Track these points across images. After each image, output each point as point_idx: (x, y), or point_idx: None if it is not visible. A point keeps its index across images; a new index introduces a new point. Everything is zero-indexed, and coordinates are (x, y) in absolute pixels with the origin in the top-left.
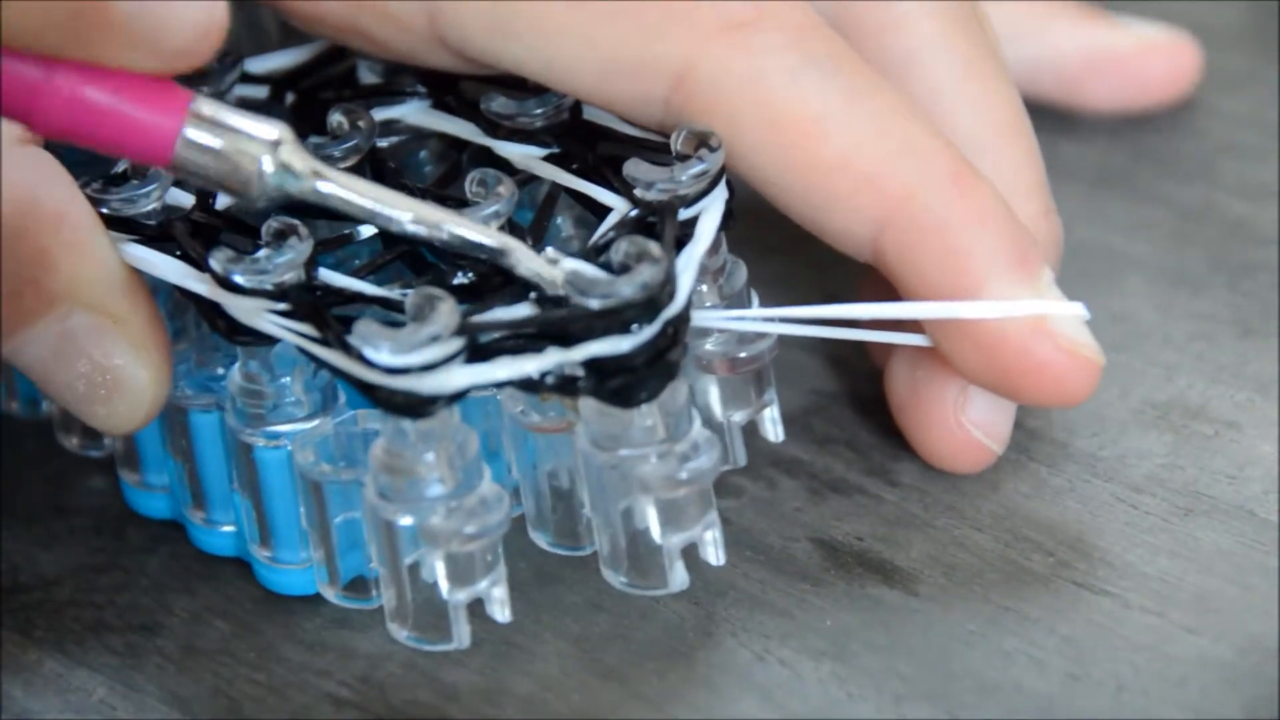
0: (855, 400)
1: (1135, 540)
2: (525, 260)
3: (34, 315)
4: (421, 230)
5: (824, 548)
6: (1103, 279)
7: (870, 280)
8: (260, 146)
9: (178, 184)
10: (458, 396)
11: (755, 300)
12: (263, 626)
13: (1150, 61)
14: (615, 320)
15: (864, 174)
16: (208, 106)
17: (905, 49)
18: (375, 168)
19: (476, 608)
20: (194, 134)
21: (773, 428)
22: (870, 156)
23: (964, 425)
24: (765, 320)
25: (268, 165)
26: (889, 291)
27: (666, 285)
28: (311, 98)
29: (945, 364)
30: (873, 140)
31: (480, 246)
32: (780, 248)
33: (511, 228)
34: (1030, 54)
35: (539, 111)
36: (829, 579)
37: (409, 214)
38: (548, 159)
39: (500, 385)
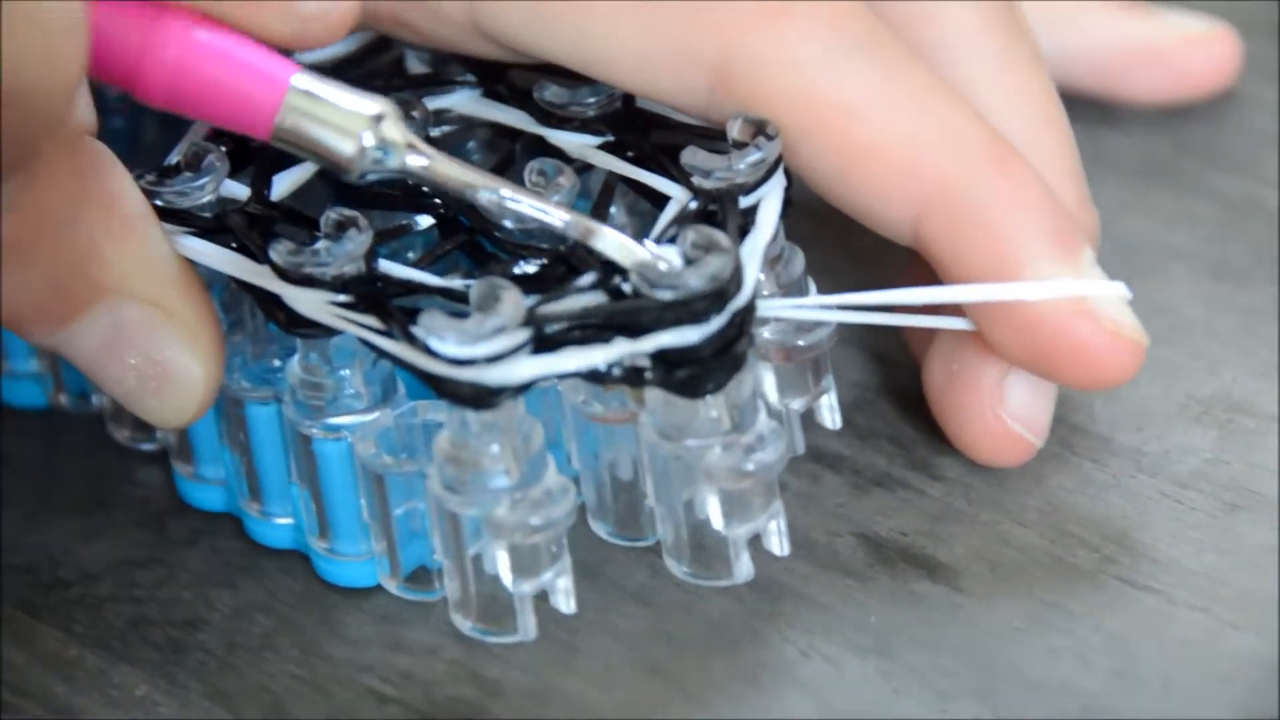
0: (898, 395)
1: (1180, 536)
2: (611, 239)
3: (84, 306)
4: (512, 207)
5: (868, 543)
6: (1146, 271)
7: (911, 270)
8: (361, 121)
9: (233, 174)
10: (524, 388)
11: (813, 288)
12: (305, 622)
13: (1190, 53)
14: (684, 311)
15: (903, 158)
16: (310, 79)
17: (940, 41)
18: None
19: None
20: (296, 104)
21: (830, 415)
22: (909, 140)
23: (1001, 418)
24: (821, 308)
25: (368, 140)
26: (930, 281)
27: (734, 276)
28: (360, 88)
29: (981, 358)
30: (911, 124)
31: (568, 225)
32: (821, 240)
33: None
34: (1067, 46)
35: (592, 100)
36: (873, 574)
37: (505, 188)
38: (602, 148)
39: (567, 376)
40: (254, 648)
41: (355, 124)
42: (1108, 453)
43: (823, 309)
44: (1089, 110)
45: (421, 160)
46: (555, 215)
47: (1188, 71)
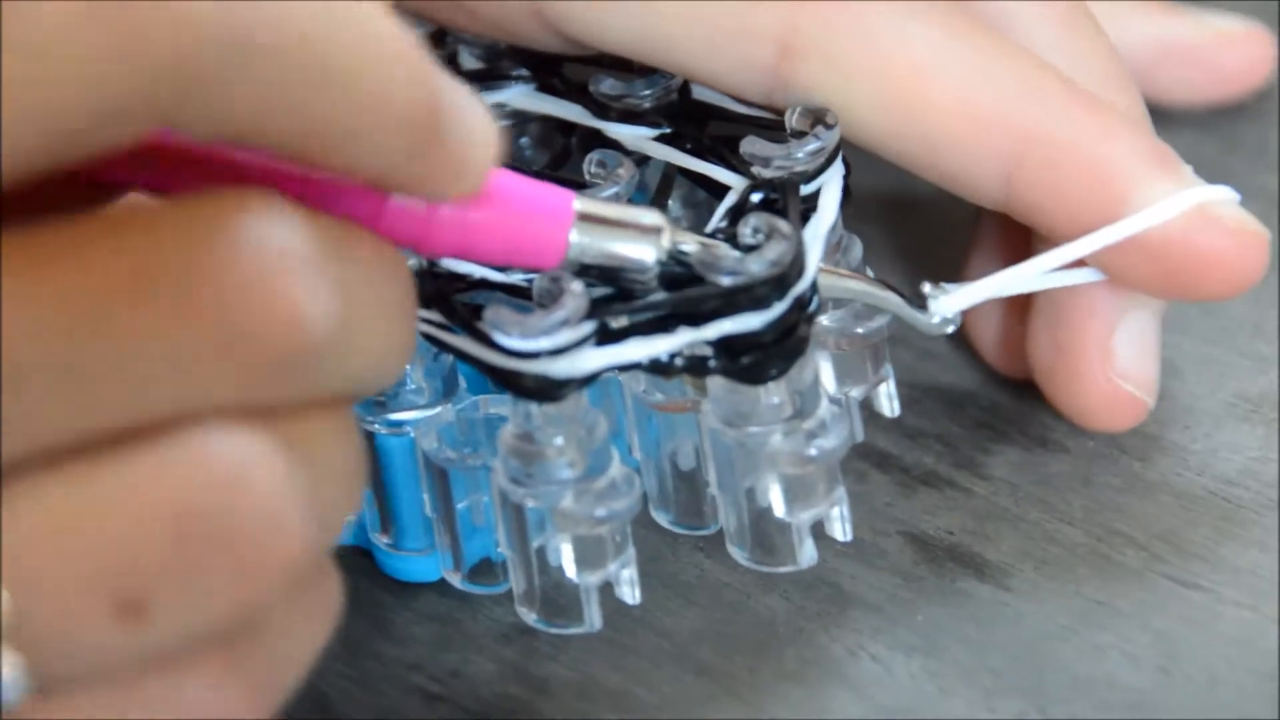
0: (945, 393)
1: (1228, 534)
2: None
3: None
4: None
5: (915, 542)
6: None
7: (979, 248)
8: (647, 238)
9: None
10: (589, 380)
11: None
12: (353, 620)
13: (1224, 52)
14: (746, 298)
15: (988, 112)
16: (589, 204)
17: (1002, 11)
18: None
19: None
20: (582, 236)
21: (889, 403)
22: (989, 95)
23: (1114, 381)
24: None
25: (656, 253)
26: (999, 256)
27: (796, 261)
28: None
29: (1084, 324)
30: (989, 80)
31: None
32: (866, 236)
33: None
34: None
35: (648, 92)
36: (920, 573)
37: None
38: (659, 139)
39: (632, 367)
40: None
41: (642, 242)
42: (1155, 451)
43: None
44: None
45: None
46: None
47: (1222, 71)
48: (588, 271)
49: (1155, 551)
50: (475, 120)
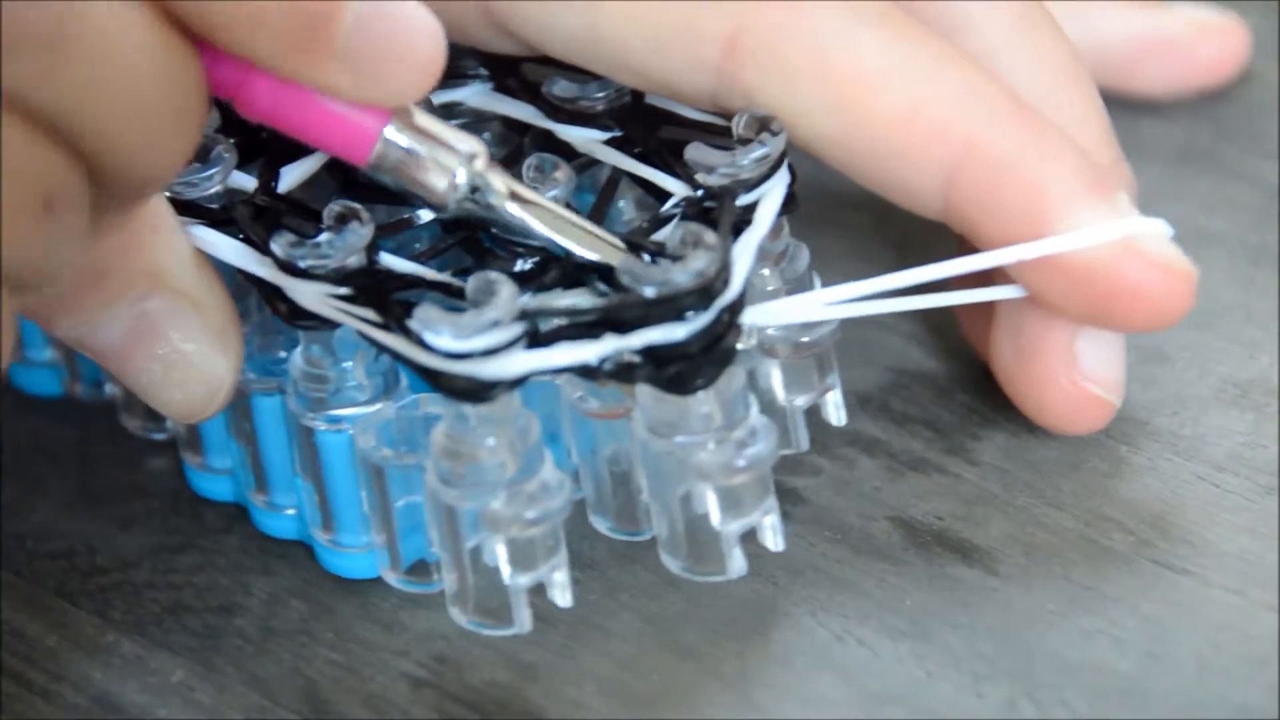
0: (934, 378)
1: (1216, 519)
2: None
3: (112, 296)
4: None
5: (903, 527)
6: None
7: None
8: (456, 159)
9: (242, 165)
10: (518, 382)
11: (817, 284)
12: (340, 607)
13: (1200, 43)
14: (669, 308)
15: (928, 124)
16: (412, 113)
17: (956, 11)
18: None
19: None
20: (394, 137)
21: (835, 411)
22: (933, 106)
23: (1078, 383)
24: (833, 305)
25: (460, 177)
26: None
27: (721, 272)
28: None
29: (1046, 327)
30: (933, 90)
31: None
32: (860, 226)
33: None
34: (1078, 39)
35: (600, 95)
36: (908, 558)
37: (592, 254)
38: (609, 143)
39: (560, 371)
40: (290, 633)
41: (450, 160)
42: (1144, 436)
43: (836, 305)
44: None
45: (520, 212)
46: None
47: (1198, 61)
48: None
49: (1144, 536)
50: (388, 33)
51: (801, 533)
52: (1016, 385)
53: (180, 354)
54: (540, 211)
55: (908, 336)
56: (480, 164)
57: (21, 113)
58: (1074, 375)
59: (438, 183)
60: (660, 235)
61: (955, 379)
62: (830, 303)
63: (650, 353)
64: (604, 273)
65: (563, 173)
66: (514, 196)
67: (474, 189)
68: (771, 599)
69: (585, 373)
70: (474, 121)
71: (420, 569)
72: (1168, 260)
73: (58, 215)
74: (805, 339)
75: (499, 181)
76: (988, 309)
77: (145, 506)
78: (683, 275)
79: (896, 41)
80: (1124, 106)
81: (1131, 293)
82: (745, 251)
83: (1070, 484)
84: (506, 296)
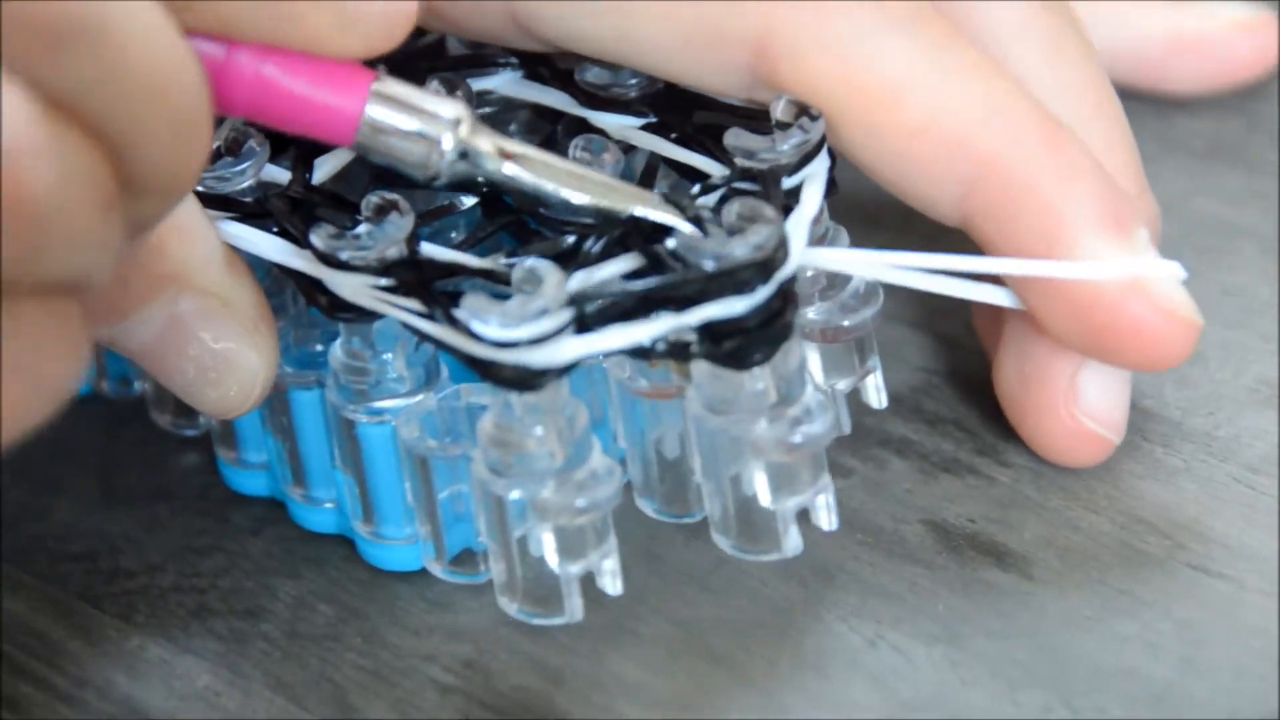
0: (966, 379)
1: (1252, 521)
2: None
3: (142, 300)
4: (600, 210)
5: (936, 530)
6: (1216, 252)
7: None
8: (441, 126)
9: (274, 158)
10: (568, 369)
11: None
12: (368, 610)
13: (1233, 41)
14: (729, 282)
15: (950, 135)
16: (390, 85)
17: (989, 34)
18: None
19: (587, 582)
20: (376, 113)
21: (876, 395)
22: (956, 118)
23: (1077, 418)
24: (868, 264)
25: (447, 144)
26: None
27: (780, 245)
28: (401, 69)
29: (1052, 357)
30: (958, 101)
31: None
32: (882, 222)
33: None
34: (1109, 41)
35: (634, 81)
36: (941, 562)
37: (592, 198)
38: (644, 129)
39: (612, 354)
40: (316, 637)
41: (434, 128)
42: (1178, 437)
43: (871, 265)
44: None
45: (516, 169)
46: (656, 216)
47: (1232, 59)
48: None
49: (1178, 540)
50: None
51: (833, 535)
52: (1017, 411)
53: (213, 354)
54: (534, 164)
55: (939, 337)
56: (465, 128)
57: (76, 113)
58: (1074, 408)
59: (426, 153)
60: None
61: (987, 380)
62: (869, 284)
63: (707, 329)
64: (647, 234)
65: (611, 154)
66: (503, 154)
67: (463, 154)
68: (802, 603)
69: (638, 353)
70: (504, 110)
71: (464, 559)
72: (1173, 305)
73: (116, 215)
74: (845, 323)
75: (486, 142)
76: (999, 316)
77: (170, 508)
78: (742, 248)
79: (923, 48)
80: (1154, 102)
81: (1131, 332)
82: (799, 227)
83: (1104, 486)
84: (554, 282)
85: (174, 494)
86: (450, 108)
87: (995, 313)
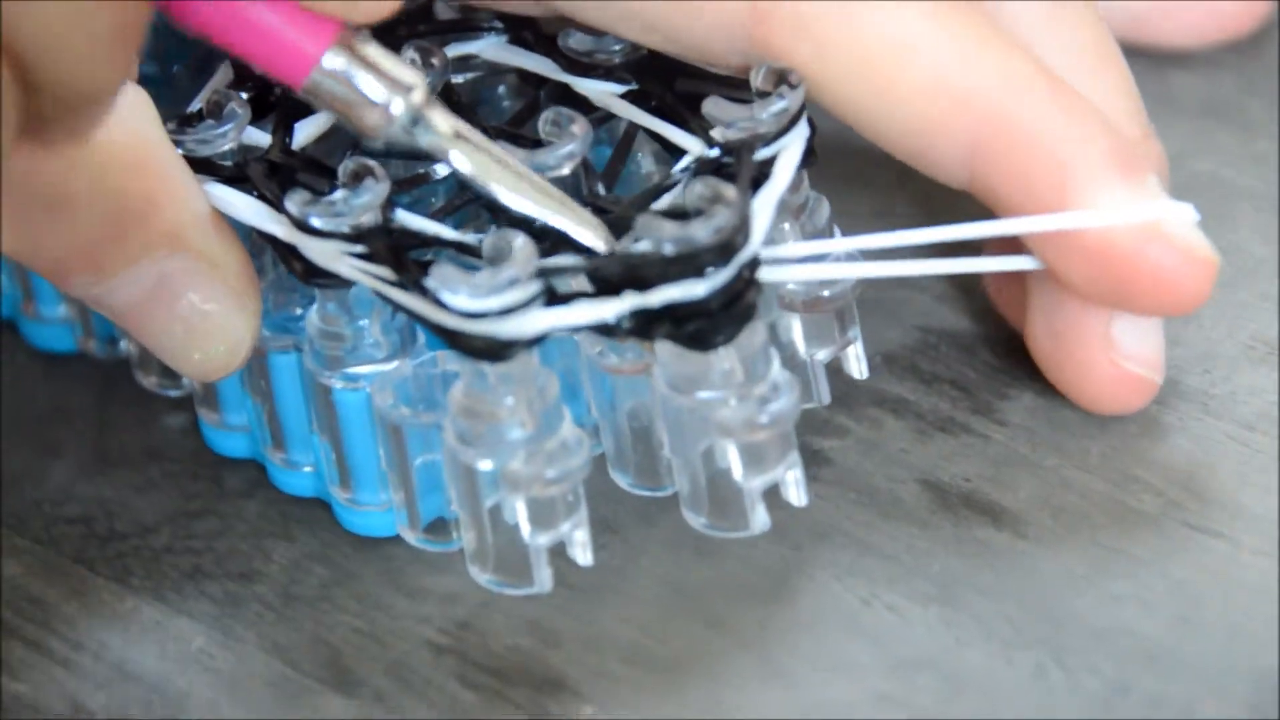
0: (962, 338)
1: (1247, 480)
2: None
3: (130, 259)
4: (523, 213)
5: (931, 489)
6: (1212, 212)
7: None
8: (394, 90)
9: (255, 121)
10: (536, 341)
11: (838, 236)
12: (362, 572)
13: None
14: (689, 265)
15: (956, 95)
16: (357, 40)
17: None
18: (449, 104)
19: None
20: (332, 62)
21: (857, 365)
22: (961, 77)
23: (1118, 364)
24: (851, 261)
25: (397, 109)
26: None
27: (741, 228)
28: (388, 33)
29: (1082, 309)
30: (962, 61)
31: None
32: (885, 184)
33: (586, 167)
34: None
35: (617, 48)
36: (936, 521)
37: (519, 203)
38: (625, 96)
39: (578, 330)
40: (311, 599)
41: (384, 92)
42: (1173, 395)
43: (854, 263)
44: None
45: (460, 157)
46: (570, 230)
47: (1224, 13)
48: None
49: (1174, 498)
50: None
51: (827, 495)
52: (1055, 368)
53: (200, 314)
54: (479, 156)
55: (935, 295)
56: (418, 97)
57: None
58: (1114, 356)
59: (370, 113)
60: (671, 196)
61: (983, 338)
62: (850, 255)
63: (669, 310)
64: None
65: (579, 126)
66: (456, 134)
67: (414, 122)
68: (797, 563)
69: (604, 330)
70: (489, 74)
71: (439, 527)
72: (1190, 246)
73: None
74: (825, 293)
75: (442, 121)
76: (1017, 278)
77: (163, 470)
78: (702, 232)
79: (927, 9)
80: (1150, 60)
81: (1151, 276)
82: (765, 207)
83: (1099, 445)
84: (524, 254)
85: (166, 456)
86: (410, 76)
87: (1015, 278)
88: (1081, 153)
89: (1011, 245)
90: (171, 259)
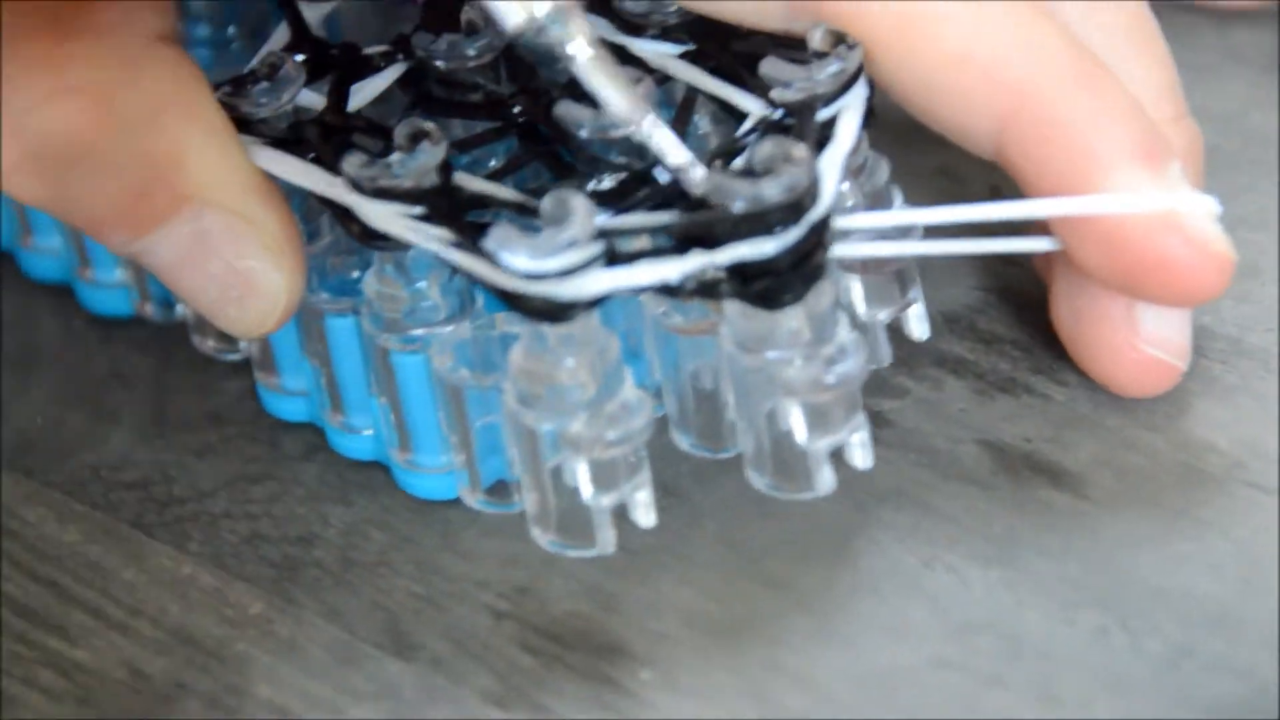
0: (1021, 298)
1: None
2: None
3: (167, 214)
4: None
5: (991, 450)
6: (1272, 165)
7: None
8: None
9: (310, 83)
10: (597, 302)
11: (899, 198)
12: (420, 537)
13: None
14: (759, 223)
15: (986, 67)
16: None
17: None
18: (509, 65)
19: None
20: None
21: (918, 325)
22: (993, 50)
23: (1139, 348)
24: (899, 226)
25: (540, 11)
26: None
27: (810, 187)
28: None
29: (1104, 291)
30: (995, 33)
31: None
32: (907, 155)
33: None
34: None
35: (673, 9)
36: (996, 483)
37: (626, 114)
38: (683, 57)
39: (641, 290)
40: (369, 564)
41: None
42: (1236, 354)
43: (902, 228)
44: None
45: (585, 53)
46: (671, 155)
47: None
48: None
49: (1237, 458)
50: None
51: (888, 457)
52: (1078, 349)
53: (235, 272)
54: (604, 64)
55: (997, 256)
56: (571, 10)
57: None
58: (1135, 339)
59: (513, 11)
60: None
61: (1043, 298)
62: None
63: (737, 269)
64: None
65: (645, 86)
66: (588, 41)
67: (554, 22)
68: (858, 525)
69: (668, 290)
70: None
71: (500, 490)
72: (1206, 239)
73: None
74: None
75: (580, 20)
76: (1053, 260)
77: (221, 435)
78: (772, 190)
79: None
80: (1213, 16)
81: (1163, 266)
82: (831, 166)
83: (1161, 404)
84: (583, 215)
85: (225, 420)
86: None
87: None
88: (1104, 136)
89: (1037, 222)
90: (207, 217)
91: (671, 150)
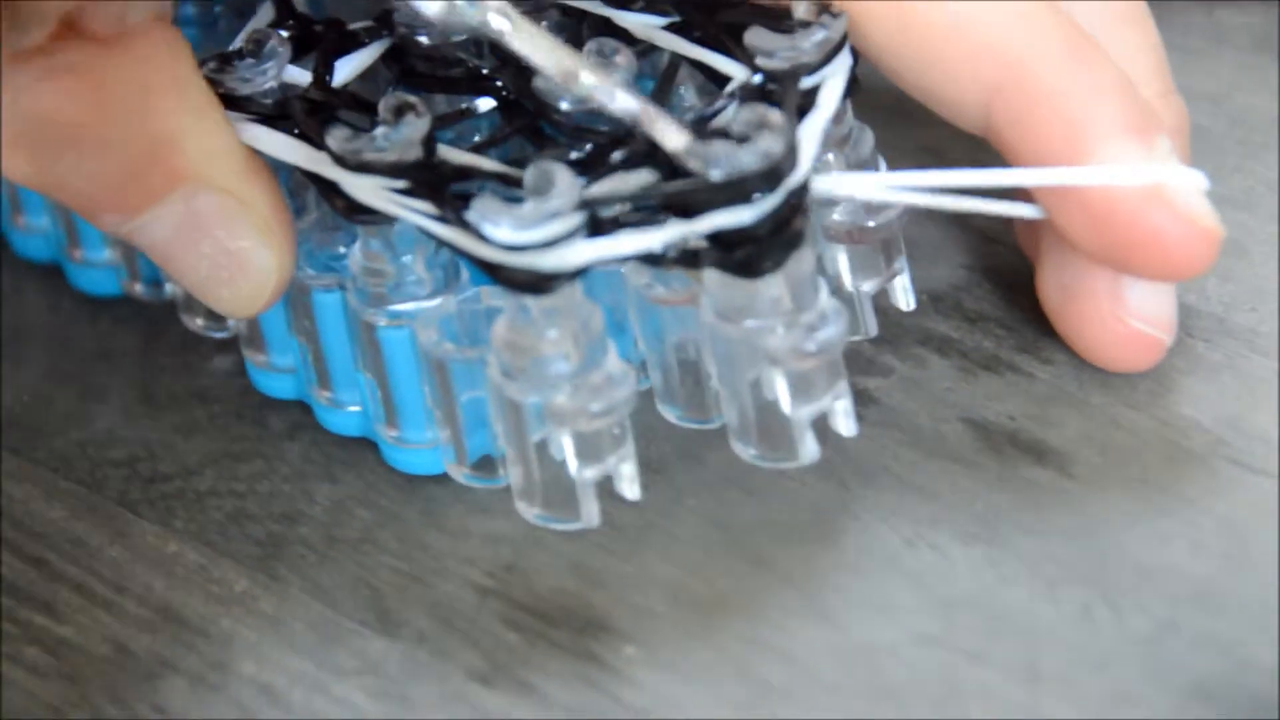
0: (1006, 276)
1: None
2: (659, 126)
3: (158, 194)
4: (563, 85)
5: (975, 428)
6: (1259, 146)
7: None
8: None
9: (295, 59)
10: (580, 272)
11: (883, 167)
12: (405, 514)
13: None
14: (737, 191)
15: (977, 39)
16: None
17: None
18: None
19: (611, 488)
20: None
21: (904, 296)
22: (984, 22)
23: (1125, 321)
24: (879, 188)
25: None
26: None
27: (789, 154)
28: None
29: (1091, 264)
30: (984, 7)
31: (627, 112)
32: (891, 130)
33: None
34: None
35: None
36: (980, 460)
37: (556, 68)
38: (668, 28)
39: (623, 260)
40: (354, 541)
41: None
42: (1220, 333)
43: (883, 188)
44: None
45: (504, 24)
46: (619, 100)
47: None
48: None
49: (1221, 436)
50: None
51: (872, 435)
52: (1064, 323)
53: (227, 252)
54: (535, 41)
55: (979, 234)
56: None
57: None
58: (1120, 313)
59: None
60: (718, 122)
61: (1028, 277)
62: (890, 186)
63: (717, 237)
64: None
65: (624, 57)
66: (501, 13)
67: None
68: (841, 503)
69: (649, 260)
70: (532, 9)
71: (486, 464)
72: (1193, 214)
73: None
74: (871, 224)
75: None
76: (1037, 223)
77: (207, 412)
78: (750, 157)
79: None
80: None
81: (1150, 240)
82: (811, 133)
83: (1145, 382)
84: (566, 185)
85: (211, 398)
86: None
87: (1033, 223)
88: (1092, 109)
89: (1022, 192)
90: (199, 197)
91: (621, 100)
